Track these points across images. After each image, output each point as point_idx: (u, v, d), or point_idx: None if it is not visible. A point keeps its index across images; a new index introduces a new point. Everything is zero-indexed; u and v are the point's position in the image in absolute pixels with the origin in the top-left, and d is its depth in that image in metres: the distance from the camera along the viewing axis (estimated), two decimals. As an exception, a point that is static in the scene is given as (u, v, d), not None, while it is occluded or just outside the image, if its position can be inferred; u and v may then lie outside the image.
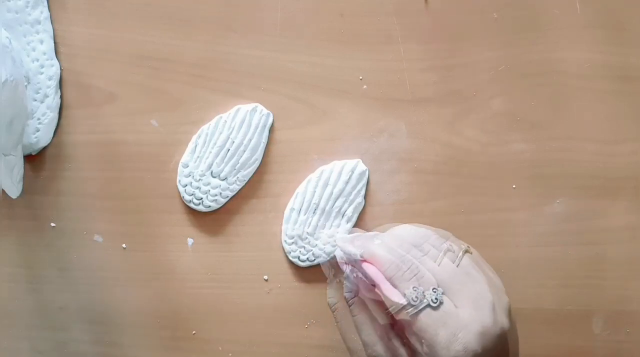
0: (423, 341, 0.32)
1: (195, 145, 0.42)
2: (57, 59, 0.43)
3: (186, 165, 0.42)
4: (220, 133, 0.42)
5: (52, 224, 0.43)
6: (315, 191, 0.42)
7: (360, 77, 0.43)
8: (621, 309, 0.44)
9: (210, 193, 0.42)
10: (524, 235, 0.43)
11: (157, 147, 0.43)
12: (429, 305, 0.32)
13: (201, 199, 0.42)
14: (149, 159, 0.43)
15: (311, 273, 0.44)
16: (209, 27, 0.43)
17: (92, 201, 0.43)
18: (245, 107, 0.42)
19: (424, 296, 0.32)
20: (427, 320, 0.32)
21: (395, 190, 0.43)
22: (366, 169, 0.42)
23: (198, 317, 0.44)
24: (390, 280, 0.33)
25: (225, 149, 0.42)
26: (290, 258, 0.42)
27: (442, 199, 0.43)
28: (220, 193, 0.42)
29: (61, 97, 0.43)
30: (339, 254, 0.37)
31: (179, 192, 0.43)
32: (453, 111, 0.43)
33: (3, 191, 0.40)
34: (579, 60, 0.43)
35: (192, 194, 0.42)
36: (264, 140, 0.42)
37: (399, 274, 0.33)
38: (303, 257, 0.42)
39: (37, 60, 0.42)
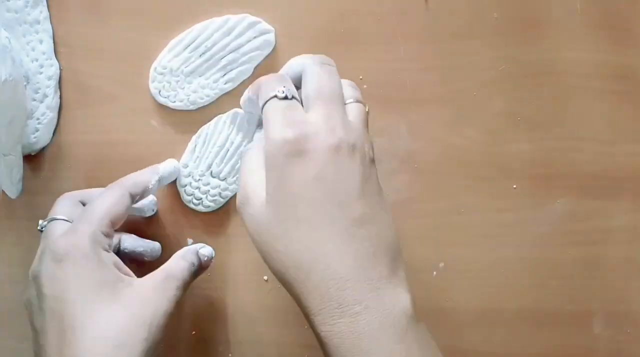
0: (265, 133, 0.33)
1: (195, 146, 0.42)
2: (57, 58, 0.43)
3: (186, 166, 0.42)
4: (220, 133, 0.42)
5: (52, 224, 0.43)
6: (213, 34, 0.41)
7: (360, 77, 0.43)
8: (621, 309, 0.44)
9: (210, 193, 0.42)
10: (524, 235, 0.43)
11: (157, 147, 0.43)
12: (275, 96, 0.33)
13: (200, 199, 0.42)
14: (149, 159, 0.43)
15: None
16: (209, 27, 0.43)
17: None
18: (241, 110, 0.42)
19: (274, 90, 0.34)
20: (272, 105, 0.33)
21: (395, 190, 0.43)
22: (273, 40, 0.42)
23: (198, 317, 0.44)
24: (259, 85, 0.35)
25: (225, 149, 0.42)
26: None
27: (442, 199, 0.43)
28: (220, 193, 0.42)
29: (60, 97, 0.43)
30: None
31: (178, 193, 0.43)
32: (453, 111, 0.43)
33: (2, 191, 0.40)
34: (579, 60, 0.43)
35: (192, 194, 0.42)
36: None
37: (266, 81, 0.35)
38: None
39: (37, 60, 0.42)
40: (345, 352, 0.30)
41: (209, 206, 0.42)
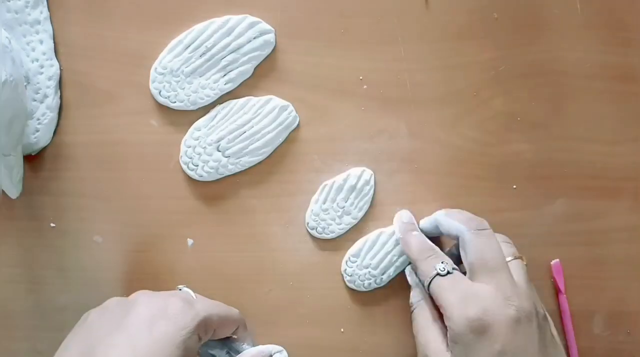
0: (441, 306, 0.36)
1: (216, 114, 0.42)
2: (57, 59, 0.43)
3: (199, 129, 0.42)
4: (245, 113, 0.42)
5: (52, 224, 0.43)
6: (213, 35, 0.42)
7: (360, 77, 0.43)
8: (621, 309, 0.44)
9: (208, 164, 0.42)
10: (524, 235, 0.43)
11: (157, 147, 0.43)
12: (437, 274, 0.37)
13: (197, 166, 0.42)
14: (149, 159, 0.43)
15: (311, 273, 0.44)
16: (209, 27, 0.43)
17: (92, 201, 0.43)
18: (278, 101, 0.42)
19: (435, 268, 0.37)
20: (437, 284, 0.37)
21: (395, 190, 0.43)
22: (273, 41, 0.42)
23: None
24: (414, 262, 0.39)
25: (242, 130, 0.42)
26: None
27: (442, 199, 0.43)
28: (218, 169, 0.42)
29: (61, 97, 0.43)
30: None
31: (180, 150, 0.42)
32: (453, 111, 0.43)
33: (3, 191, 0.40)
34: (579, 60, 0.43)
35: (191, 158, 0.42)
36: (281, 139, 0.43)
37: (421, 255, 0.39)
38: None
39: (37, 60, 0.42)
40: None
41: (201, 176, 0.42)
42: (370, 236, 0.43)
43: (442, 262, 0.38)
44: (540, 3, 0.43)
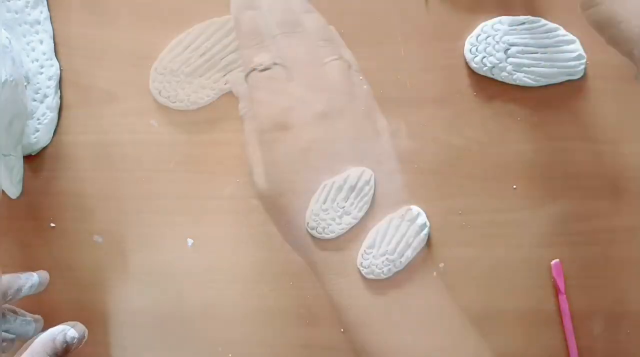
0: (251, 102, 0.34)
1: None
2: (57, 59, 0.43)
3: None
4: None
5: (52, 224, 0.43)
6: (213, 35, 0.42)
7: (360, 77, 0.43)
8: (621, 309, 0.44)
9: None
10: (524, 235, 0.43)
11: (157, 147, 0.43)
12: (254, 69, 0.34)
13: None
14: (149, 159, 0.43)
15: (311, 274, 0.44)
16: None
17: (92, 201, 0.43)
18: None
19: (252, 61, 0.34)
20: (253, 78, 0.34)
21: (395, 190, 0.43)
22: None
23: (198, 317, 0.44)
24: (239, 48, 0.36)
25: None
26: None
27: (442, 199, 0.43)
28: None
29: (61, 97, 0.43)
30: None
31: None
32: (453, 111, 0.43)
33: (3, 191, 0.40)
34: (579, 60, 0.43)
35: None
36: None
37: (247, 41, 0.35)
38: None
39: (37, 60, 0.42)
40: None
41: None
42: (381, 225, 0.43)
43: (264, 54, 0.34)
44: (540, 3, 0.43)
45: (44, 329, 0.40)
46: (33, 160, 0.43)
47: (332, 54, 0.36)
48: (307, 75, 0.33)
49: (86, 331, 0.37)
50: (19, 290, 0.39)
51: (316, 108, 0.32)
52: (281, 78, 0.34)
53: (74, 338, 0.37)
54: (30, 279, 0.40)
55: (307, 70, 0.34)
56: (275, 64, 0.34)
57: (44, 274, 0.41)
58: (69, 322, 0.37)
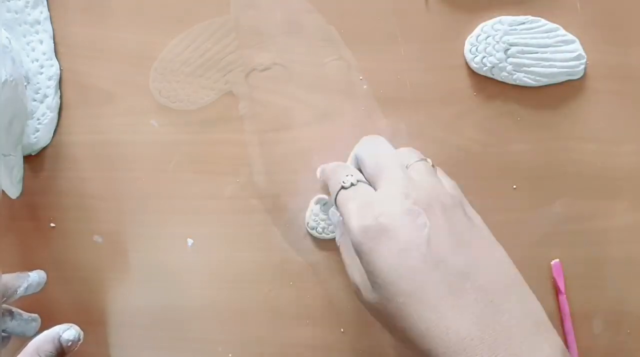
0: (342, 218, 0.34)
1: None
2: (57, 59, 0.43)
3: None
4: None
5: (52, 224, 0.43)
6: (214, 35, 0.42)
7: (360, 77, 0.43)
8: (621, 309, 0.44)
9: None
10: (524, 235, 0.43)
11: (157, 147, 0.43)
12: (342, 188, 0.35)
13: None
14: (149, 159, 0.43)
15: (311, 274, 0.44)
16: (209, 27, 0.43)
17: (92, 201, 0.43)
18: None
19: (339, 182, 0.35)
20: (342, 196, 0.35)
21: (395, 190, 0.43)
22: None
23: (198, 317, 0.44)
24: (328, 180, 0.37)
25: None
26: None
27: (442, 199, 0.43)
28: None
29: (61, 97, 0.43)
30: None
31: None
32: (453, 111, 0.43)
33: (3, 191, 0.40)
34: (579, 60, 0.43)
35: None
36: None
37: (331, 174, 0.37)
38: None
39: (37, 60, 0.42)
40: None
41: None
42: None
43: (347, 175, 0.36)
44: (540, 3, 0.43)
45: (43, 328, 0.40)
46: (33, 160, 0.43)
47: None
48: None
49: (82, 333, 0.37)
50: (15, 290, 0.39)
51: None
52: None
53: (69, 341, 0.37)
54: (27, 279, 0.40)
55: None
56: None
57: (42, 274, 0.41)
58: (65, 325, 0.37)
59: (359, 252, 0.33)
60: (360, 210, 0.33)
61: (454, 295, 0.30)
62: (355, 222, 0.33)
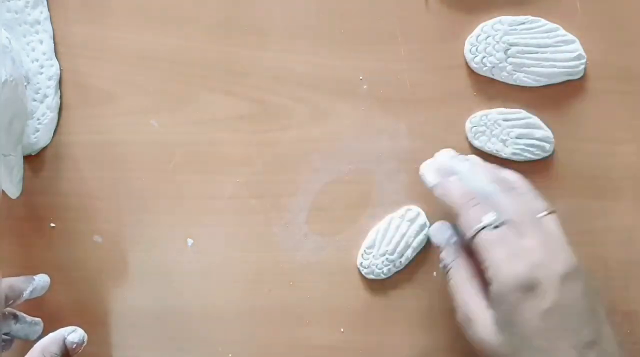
0: (485, 261, 0.34)
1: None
2: (57, 59, 0.43)
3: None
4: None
5: (52, 224, 0.43)
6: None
7: (360, 77, 0.43)
8: (621, 309, 0.44)
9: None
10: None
11: (157, 147, 0.43)
12: (485, 226, 0.34)
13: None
14: (149, 159, 0.43)
15: (311, 273, 0.44)
16: (209, 27, 0.43)
17: (92, 201, 0.43)
18: None
19: (481, 220, 0.34)
20: (485, 238, 0.34)
21: (395, 190, 0.43)
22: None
23: (198, 317, 0.44)
24: (456, 210, 0.36)
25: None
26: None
27: (442, 199, 0.43)
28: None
29: (61, 97, 0.43)
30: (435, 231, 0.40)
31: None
32: (453, 111, 0.43)
33: (3, 191, 0.40)
34: (579, 60, 0.43)
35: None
36: None
37: (466, 202, 0.36)
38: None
39: (37, 60, 0.42)
40: None
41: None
42: (381, 225, 0.43)
43: (491, 213, 0.35)
44: (541, 3, 0.43)
45: (46, 330, 0.40)
46: (33, 160, 0.43)
47: (544, 207, 0.36)
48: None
49: (85, 335, 0.38)
50: (21, 294, 0.39)
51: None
52: (513, 235, 0.34)
53: (73, 343, 0.37)
54: (32, 283, 0.40)
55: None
56: (503, 222, 0.34)
57: (46, 278, 0.41)
58: (70, 327, 0.38)
59: (503, 300, 0.33)
60: (511, 257, 0.33)
61: None
62: (507, 270, 0.33)
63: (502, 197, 0.36)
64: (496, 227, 0.34)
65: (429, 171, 0.39)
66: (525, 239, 0.34)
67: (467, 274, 0.37)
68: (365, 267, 0.43)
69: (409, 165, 0.43)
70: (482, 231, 0.34)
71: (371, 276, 0.43)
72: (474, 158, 0.40)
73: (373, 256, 0.43)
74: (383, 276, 0.43)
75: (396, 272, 0.43)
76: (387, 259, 0.42)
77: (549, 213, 0.36)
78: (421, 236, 0.42)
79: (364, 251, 0.43)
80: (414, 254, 0.43)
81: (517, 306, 0.32)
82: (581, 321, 0.33)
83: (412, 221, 0.42)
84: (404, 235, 0.42)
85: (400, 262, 0.43)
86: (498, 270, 0.33)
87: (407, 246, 0.42)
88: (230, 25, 0.43)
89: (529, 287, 0.32)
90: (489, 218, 0.34)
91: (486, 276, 0.34)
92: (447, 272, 0.38)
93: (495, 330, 0.34)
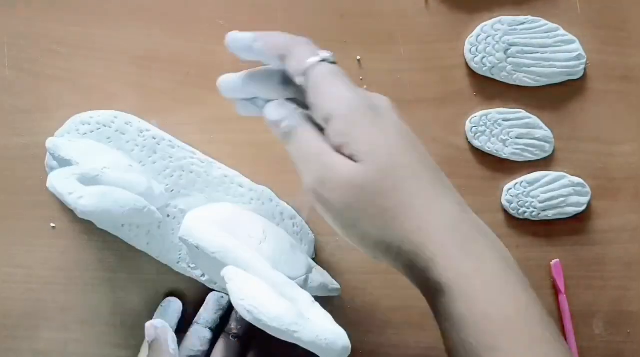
0: (322, 95, 0.31)
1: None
2: (57, 59, 0.42)
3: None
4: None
5: (52, 224, 0.43)
6: None
7: (361, 77, 0.43)
8: (621, 309, 0.44)
9: None
10: (524, 235, 0.43)
11: (157, 147, 0.43)
12: (324, 60, 0.32)
13: None
14: (149, 159, 0.43)
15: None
16: (209, 27, 0.43)
17: (92, 201, 0.43)
18: None
19: (318, 54, 0.32)
20: (325, 70, 0.31)
21: (395, 190, 0.43)
22: None
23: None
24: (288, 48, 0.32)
25: None
26: None
27: (442, 199, 0.43)
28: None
29: (61, 97, 0.43)
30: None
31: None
32: (453, 111, 0.43)
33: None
34: (579, 60, 0.43)
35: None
36: None
37: (297, 41, 0.33)
38: None
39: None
40: (475, 293, 0.29)
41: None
42: (552, 174, 0.43)
43: (328, 52, 0.32)
44: (541, 3, 0.43)
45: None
46: (33, 159, 0.43)
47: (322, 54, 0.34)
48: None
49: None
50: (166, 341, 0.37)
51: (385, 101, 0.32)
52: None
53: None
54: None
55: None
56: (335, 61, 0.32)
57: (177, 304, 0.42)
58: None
59: (352, 122, 0.30)
60: (353, 87, 0.31)
61: (430, 174, 0.32)
62: (352, 93, 0.31)
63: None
64: (332, 62, 0.32)
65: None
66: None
67: (317, 132, 0.32)
68: (510, 195, 0.43)
69: (409, 165, 0.43)
70: (322, 63, 0.31)
71: (506, 205, 0.43)
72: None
73: (524, 192, 0.43)
74: (516, 215, 0.43)
75: (527, 219, 0.43)
76: (531, 203, 0.43)
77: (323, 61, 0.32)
78: (572, 205, 0.43)
79: (521, 182, 0.43)
80: (553, 217, 0.43)
81: (376, 121, 0.30)
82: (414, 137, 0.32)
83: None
84: (563, 196, 0.43)
85: (539, 214, 0.43)
86: (346, 94, 0.31)
87: (553, 207, 0.43)
88: (231, 26, 0.43)
89: (373, 107, 0.31)
90: (325, 53, 0.32)
91: (321, 114, 0.31)
92: (289, 135, 0.33)
93: (361, 164, 0.30)
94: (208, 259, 0.35)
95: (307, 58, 0.31)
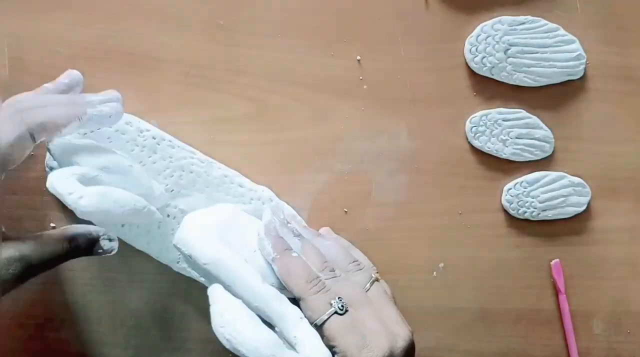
0: (334, 349, 0.33)
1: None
2: (56, 59, 0.43)
3: None
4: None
5: (52, 224, 0.43)
6: None
7: (361, 77, 0.43)
8: (622, 309, 0.44)
9: None
10: (524, 235, 0.43)
11: (157, 147, 0.43)
12: (335, 312, 0.34)
13: None
14: (149, 159, 0.43)
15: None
16: (209, 27, 0.43)
17: (92, 201, 0.43)
18: None
19: (331, 305, 0.34)
20: (335, 325, 0.33)
21: (395, 190, 0.43)
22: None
23: (198, 317, 0.44)
24: (298, 294, 0.35)
25: None
26: None
27: (442, 199, 0.43)
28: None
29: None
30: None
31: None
32: (453, 111, 0.43)
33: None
34: (579, 60, 0.43)
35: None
36: None
37: (309, 288, 0.35)
38: None
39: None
40: None
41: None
42: (552, 174, 0.43)
43: (337, 298, 0.34)
44: (541, 3, 0.43)
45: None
46: (32, 159, 0.43)
47: (367, 278, 0.37)
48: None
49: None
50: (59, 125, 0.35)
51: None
52: (357, 318, 0.34)
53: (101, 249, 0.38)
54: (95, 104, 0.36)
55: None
56: (347, 309, 0.34)
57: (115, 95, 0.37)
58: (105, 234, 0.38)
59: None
60: (360, 342, 0.33)
61: None
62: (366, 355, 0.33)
63: (332, 282, 0.35)
64: (342, 313, 0.34)
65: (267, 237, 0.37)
66: (366, 322, 0.34)
67: None
68: (510, 195, 0.43)
69: (409, 165, 0.43)
70: (333, 317, 0.34)
71: (506, 205, 0.43)
72: (305, 233, 0.39)
73: (524, 192, 0.43)
74: (516, 215, 0.43)
75: (526, 219, 0.43)
76: (531, 203, 0.43)
77: (373, 283, 0.37)
78: (575, 207, 0.43)
79: (521, 182, 0.43)
80: (552, 218, 0.43)
81: None
82: None
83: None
84: (563, 196, 0.43)
85: (539, 214, 0.43)
86: (368, 346, 0.33)
87: (553, 207, 0.43)
88: (230, 26, 0.43)
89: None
90: (336, 303, 0.34)
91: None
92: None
93: None
94: (200, 268, 0.35)
95: (320, 311, 0.34)
